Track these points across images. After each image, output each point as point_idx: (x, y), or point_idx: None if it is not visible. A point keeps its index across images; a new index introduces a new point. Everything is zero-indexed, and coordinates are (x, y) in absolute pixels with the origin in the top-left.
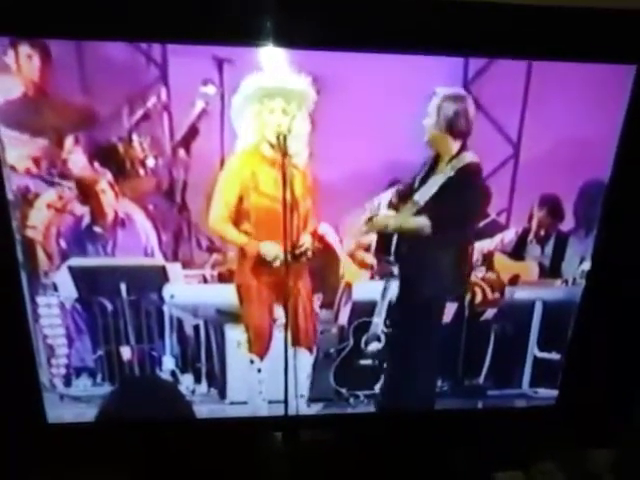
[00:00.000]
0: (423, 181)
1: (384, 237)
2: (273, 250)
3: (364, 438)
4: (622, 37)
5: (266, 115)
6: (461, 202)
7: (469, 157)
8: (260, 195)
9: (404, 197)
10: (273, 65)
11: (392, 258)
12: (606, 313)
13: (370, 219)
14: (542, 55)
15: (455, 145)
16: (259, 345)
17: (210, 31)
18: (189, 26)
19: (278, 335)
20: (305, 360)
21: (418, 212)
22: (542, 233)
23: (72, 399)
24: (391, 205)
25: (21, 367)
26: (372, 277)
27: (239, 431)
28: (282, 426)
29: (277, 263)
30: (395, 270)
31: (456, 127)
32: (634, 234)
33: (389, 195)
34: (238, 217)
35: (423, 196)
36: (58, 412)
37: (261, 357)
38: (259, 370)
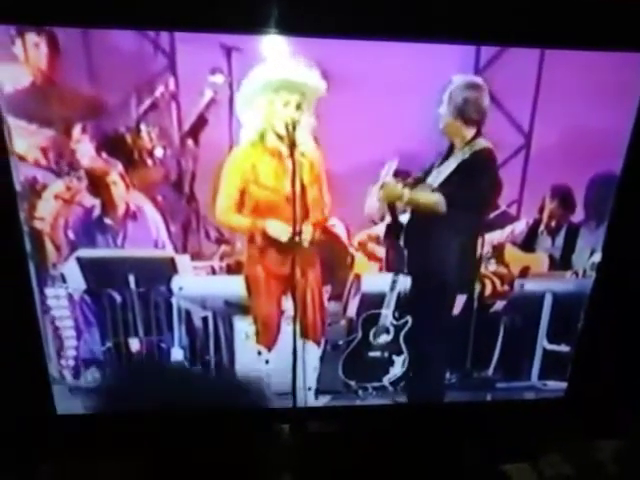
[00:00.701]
0: (437, 167)
1: (394, 222)
2: (280, 228)
3: (372, 430)
4: (635, 25)
5: (279, 107)
6: (474, 186)
7: (483, 143)
8: (260, 187)
9: (419, 179)
10: (294, 57)
11: (402, 243)
12: (616, 305)
13: (382, 186)
14: (555, 43)
15: (469, 132)
16: (267, 336)
17: (218, 19)
18: (197, 14)
19: (286, 327)
20: (313, 352)
21: (433, 191)
22: (553, 224)
23: (81, 391)
24: (406, 184)
25: (30, 359)
26: (381, 269)
27: (247, 422)
28: (290, 418)
29: (285, 239)
30: (404, 259)
31: (471, 114)
32: None
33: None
34: (241, 207)
35: (437, 178)
36: (67, 404)
37: (269, 348)
38: (267, 362)
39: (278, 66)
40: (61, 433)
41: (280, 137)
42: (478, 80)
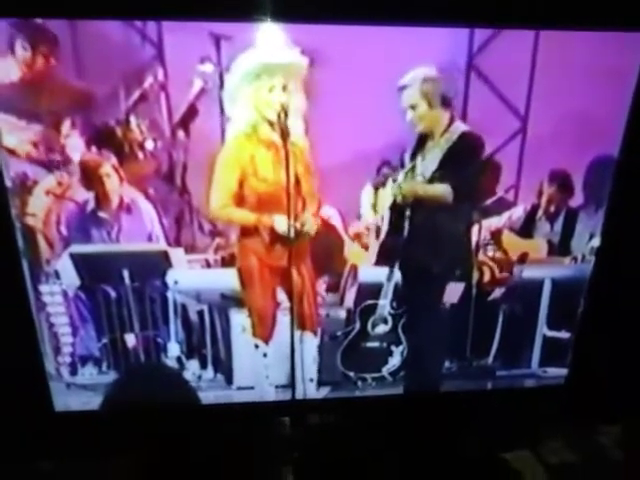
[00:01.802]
0: (422, 157)
1: (394, 211)
2: (285, 222)
3: (372, 421)
4: (632, 5)
5: (265, 93)
6: (464, 173)
7: (461, 127)
8: (260, 180)
9: (406, 171)
10: (272, 41)
11: (398, 236)
12: (615, 290)
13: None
14: (550, 24)
15: (445, 118)
16: (263, 329)
17: (206, 7)
18: (184, 2)
19: (283, 319)
20: (311, 344)
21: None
22: (551, 209)
23: (78, 387)
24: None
25: (27, 356)
26: (378, 259)
27: (246, 416)
28: (289, 410)
29: (290, 233)
30: (400, 251)
31: (440, 102)
32: None
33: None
34: (240, 200)
35: (428, 167)
36: (65, 400)
37: (266, 341)
38: (265, 355)
39: (254, 52)
40: (59, 430)
41: (273, 125)
42: (440, 68)
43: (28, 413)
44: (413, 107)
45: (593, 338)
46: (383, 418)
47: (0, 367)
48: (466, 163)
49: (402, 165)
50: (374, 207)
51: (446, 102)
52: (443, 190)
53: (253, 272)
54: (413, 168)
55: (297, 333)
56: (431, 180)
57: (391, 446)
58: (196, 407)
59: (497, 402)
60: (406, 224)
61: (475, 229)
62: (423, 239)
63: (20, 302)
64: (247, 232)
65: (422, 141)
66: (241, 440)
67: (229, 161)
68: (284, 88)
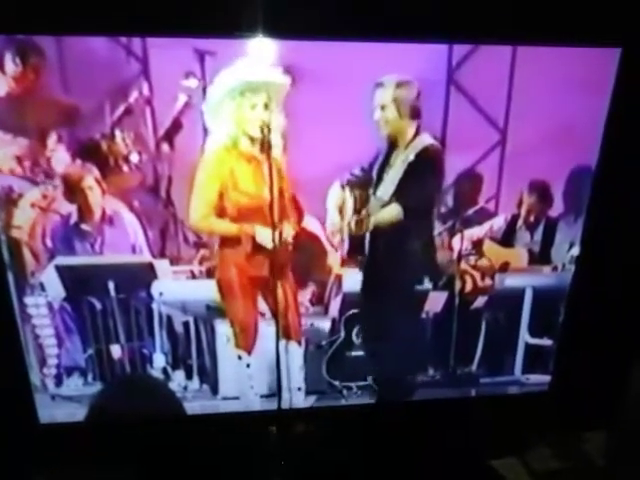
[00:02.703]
0: (384, 170)
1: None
2: (267, 234)
3: (357, 430)
4: (606, 20)
5: (247, 111)
6: (426, 186)
7: (426, 140)
8: (240, 193)
9: (368, 188)
10: (257, 58)
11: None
12: (596, 297)
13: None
14: (526, 40)
15: (411, 129)
16: (246, 340)
17: (191, 23)
18: (169, 19)
19: (266, 329)
20: (295, 353)
21: (386, 203)
22: (531, 219)
23: (64, 399)
24: (356, 209)
25: (11, 368)
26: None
27: (233, 426)
28: (275, 420)
29: (270, 245)
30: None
31: (409, 112)
32: (622, 218)
33: (352, 198)
34: (221, 211)
35: (387, 188)
36: (50, 412)
37: (249, 352)
38: (248, 365)
39: (239, 69)
40: (44, 442)
41: (253, 141)
42: (409, 77)
43: (12, 425)
44: (382, 108)
45: (575, 345)
46: (368, 426)
47: None
48: (427, 177)
49: (369, 176)
50: (340, 212)
51: (415, 113)
52: (396, 211)
53: (234, 283)
54: (378, 181)
55: (282, 343)
56: (394, 194)
57: (376, 454)
58: (182, 417)
59: (482, 409)
60: (366, 242)
61: (457, 238)
62: (383, 252)
63: (5, 314)
64: (228, 243)
65: (390, 150)
66: (227, 450)
67: (209, 173)
68: (266, 106)
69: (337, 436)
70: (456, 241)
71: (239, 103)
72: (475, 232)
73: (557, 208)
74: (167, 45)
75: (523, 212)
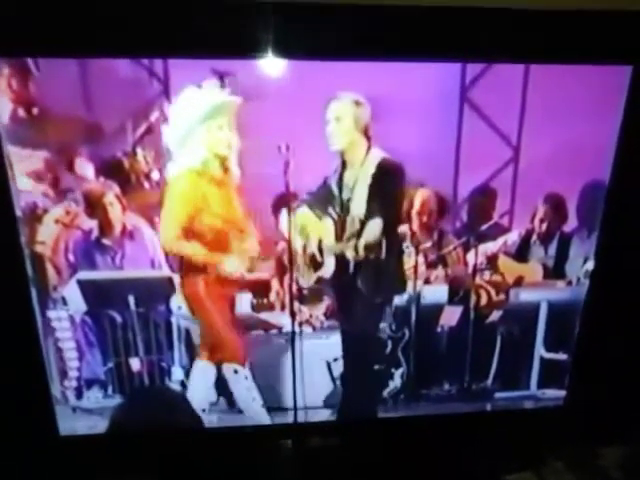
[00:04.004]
0: (347, 187)
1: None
2: (235, 263)
3: (371, 443)
4: (618, 39)
5: (215, 132)
6: (389, 198)
7: (378, 153)
8: (213, 216)
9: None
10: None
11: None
12: (611, 312)
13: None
14: (539, 58)
15: (363, 144)
16: (232, 353)
17: (209, 45)
18: (190, 41)
19: (257, 339)
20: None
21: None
22: (545, 234)
23: (84, 411)
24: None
25: (33, 381)
26: None
27: (249, 439)
28: (289, 433)
29: (238, 273)
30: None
31: (363, 128)
32: (636, 232)
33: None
34: (190, 234)
35: (360, 204)
36: (70, 424)
37: (242, 364)
38: (246, 377)
39: (209, 92)
40: (64, 454)
41: (222, 163)
42: (360, 96)
43: (33, 437)
44: (338, 119)
45: (590, 359)
46: (383, 440)
47: (7, 391)
48: (390, 190)
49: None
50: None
51: (367, 132)
52: (379, 227)
53: (203, 298)
54: (348, 201)
55: (289, 355)
56: (367, 209)
57: (391, 468)
58: (200, 430)
59: (497, 424)
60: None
61: (471, 253)
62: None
63: (28, 328)
64: (195, 267)
65: (343, 168)
66: (244, 462)
67: (182, 195)
68: (229, 127)
69: (351, 450)
70: (471, 256)
71: (208, 126)
72: (489, 247)
73: (571, 223)
74: (187, 66)
75: (537, 227)
